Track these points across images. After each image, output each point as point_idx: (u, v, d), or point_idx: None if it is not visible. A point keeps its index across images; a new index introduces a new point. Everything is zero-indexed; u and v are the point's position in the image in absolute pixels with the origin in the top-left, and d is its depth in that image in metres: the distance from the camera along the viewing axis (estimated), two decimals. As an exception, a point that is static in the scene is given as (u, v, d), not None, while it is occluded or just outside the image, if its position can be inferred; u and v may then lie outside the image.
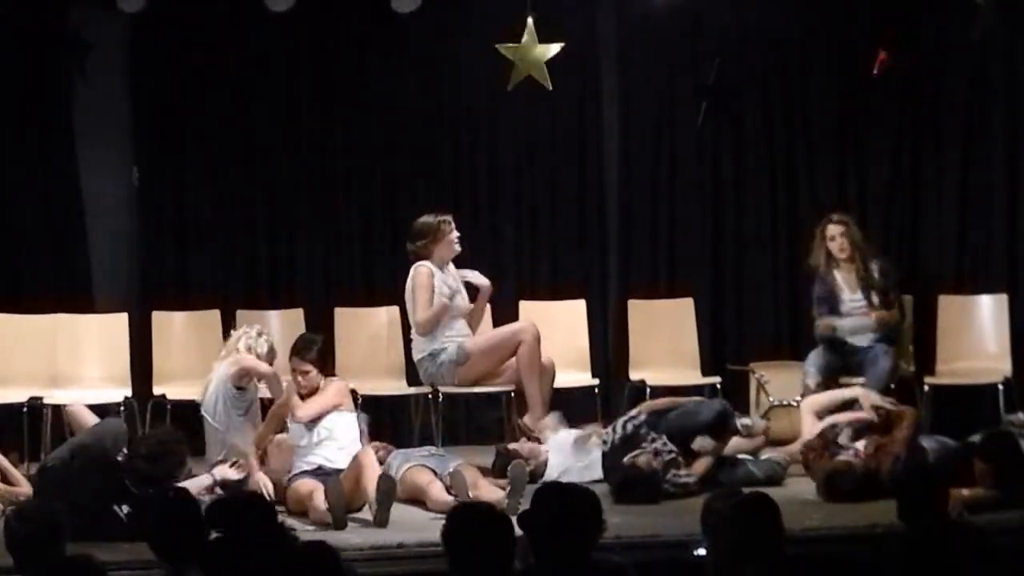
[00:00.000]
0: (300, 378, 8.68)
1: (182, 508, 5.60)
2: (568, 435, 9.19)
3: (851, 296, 9.98)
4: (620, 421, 8.88)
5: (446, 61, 11.01)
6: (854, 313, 9.96)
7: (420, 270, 9.51)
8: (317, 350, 8.76)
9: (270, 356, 8.94)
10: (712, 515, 5.63)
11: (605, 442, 8.85)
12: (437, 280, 9.47)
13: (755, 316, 11.04)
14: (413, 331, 9.61)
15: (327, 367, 8.91)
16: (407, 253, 9.60)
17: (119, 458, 8.07)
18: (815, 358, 9.85)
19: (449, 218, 9.61)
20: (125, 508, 7.63)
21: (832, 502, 8.35)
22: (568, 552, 5.15)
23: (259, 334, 8.98)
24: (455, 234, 9.57)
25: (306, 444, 8.57)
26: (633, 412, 8.98)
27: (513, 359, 9.45)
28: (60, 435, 9.48)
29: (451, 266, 9.66)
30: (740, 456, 9.01)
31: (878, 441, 8.64)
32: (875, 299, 9.94)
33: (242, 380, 8.78)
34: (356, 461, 8.27)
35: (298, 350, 8.77)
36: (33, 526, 5.50)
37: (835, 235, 9.97)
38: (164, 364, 10.11)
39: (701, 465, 8.72)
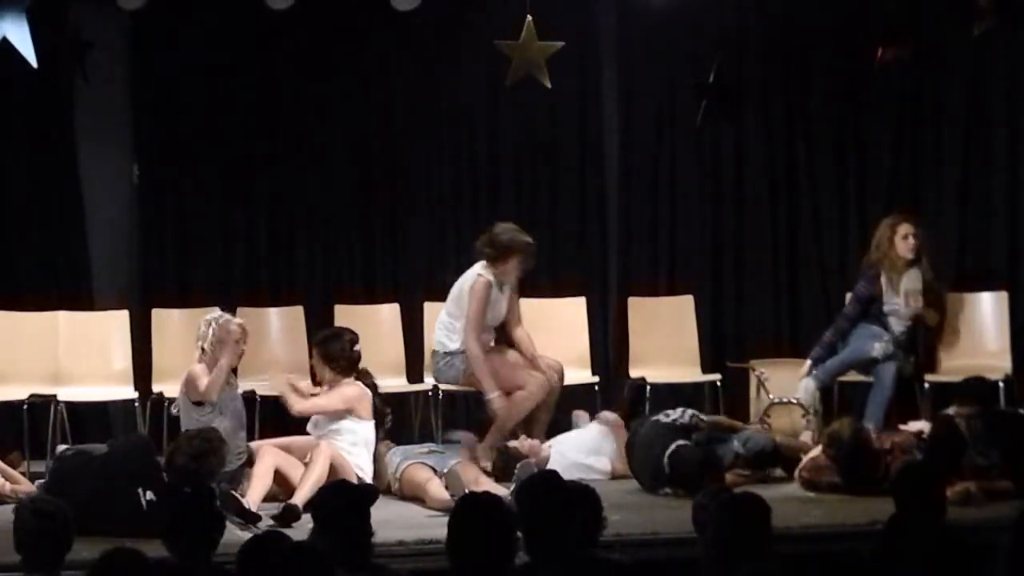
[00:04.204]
0: (311, 361, 8.86)
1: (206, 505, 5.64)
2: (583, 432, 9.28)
3: (893, 298, 9.96)
4: (689, 411, 8.99)
5: (446, 59, 11.01)
6: (893, 314, 9.94)
7: (481, 281, 9.39)
8: (330, 345, 8.79)
9: (224, 342, 8.66)
10: (703, 513, 5.65)
11: (668, 415, 8.91)
12: (493, 298, 9.45)
13: (755, 314, 11.04)
14: (445, 317, 9.56)
15: (344, 368, 8.82)
16: (476, 250, 9.55)
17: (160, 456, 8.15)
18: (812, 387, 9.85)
19: (533, 245, 9.52)
20: (149, 495, 7.67)
21: (827, 460, 8.52)
22: (568, 550, 5.15)
23: (207, 325, 8.69)
24: (528, 264, 9.49)
25: (313, 435, 8.67)
26: (703, 416, 9.05)
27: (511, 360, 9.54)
28: (63, 432, 9.55)
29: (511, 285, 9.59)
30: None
31: (895, 440, 8.67)
32: (911, 303, 9.91)
33: (195, 395, 8.65)
34: (316, 449, 8.41)
35: (317, 338, 8.93)
36: (40, 520, 5.52)
37: (909, 234, 9.89)
38: (163, 362, 10.11)
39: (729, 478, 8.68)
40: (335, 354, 8.79)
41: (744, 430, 9.08)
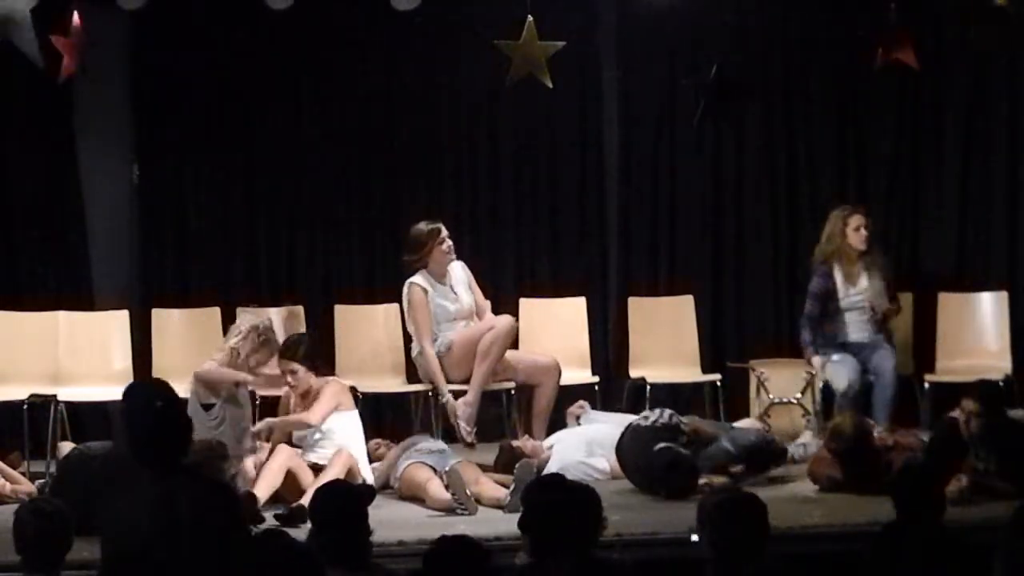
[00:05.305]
0: (289, 378, 8.73)
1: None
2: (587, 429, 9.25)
3: (849, 291, 9.97)
4: (667, 411, 8.91)
5: (446, 59, 11.01)
6: (852, 308, 9.95)
7: (413, 289, 9.50)
8: (303, 349, 8.78)
9: (258, 353, 8.73)
10: (706, 513, 5.65)
11: (647, 417, 8.87)
12: (431, 296, 9.48)
13: (755, 314, 11.05)
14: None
15: (320, 366, 8.88)
16: (402, 263, 9.62)
17: None
18: (843, 369, 9.82)
19: (439, 226, 9.57)
20: None
21: (828, 454, 8.53)
22: (568, 550, 5.15)
23: (251, 329, 8.71)
24: (447, 243, 9.55)
25: (305, 441, 8.65)
26: (683, 417, 8.99)
27: (508, 356, 9.52)
28: (63, 432, 9.54)
29: (454, 268, 9.66)
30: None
31: (897, 439, 8.67)
32: (876, 308, 9.91)
33: (207, 397, 8.61)
34: (336, 455, 8.41)
35: (283, 351, 8.79)
36: (40, 520, 5.52)
37: (860, 226, 9.92)
38: (163, 362, 10.11)
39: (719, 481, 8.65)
40: (313, 353, 8.81)
41: (723, 432, 9.00)
